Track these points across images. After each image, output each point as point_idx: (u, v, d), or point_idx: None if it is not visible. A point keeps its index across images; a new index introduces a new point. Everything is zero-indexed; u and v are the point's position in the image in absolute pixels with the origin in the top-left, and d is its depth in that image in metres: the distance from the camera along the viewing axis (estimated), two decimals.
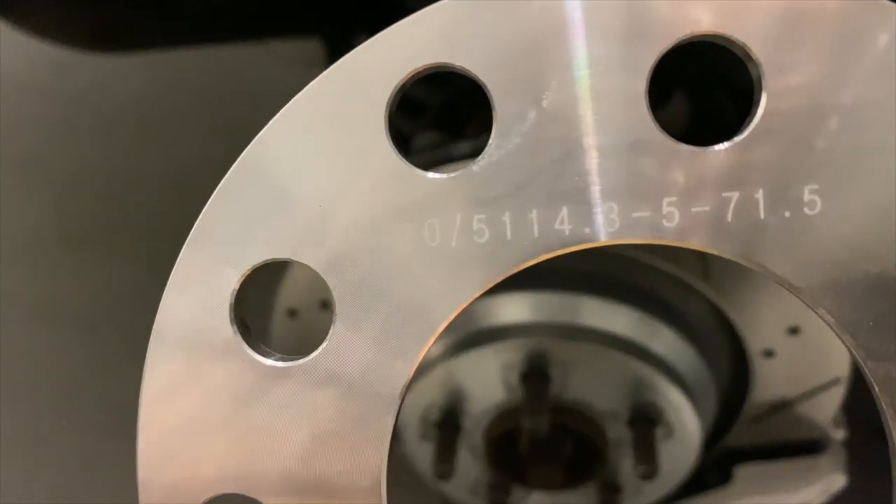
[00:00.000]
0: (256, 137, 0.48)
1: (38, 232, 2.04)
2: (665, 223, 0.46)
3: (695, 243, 0.47)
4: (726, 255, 0.47)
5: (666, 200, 0.46)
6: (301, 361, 0.51)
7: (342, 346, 0.50)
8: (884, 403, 0.48)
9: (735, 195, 0.46)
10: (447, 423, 1.21)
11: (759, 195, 0.46)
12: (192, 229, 0.50)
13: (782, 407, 1.24)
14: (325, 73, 0.46)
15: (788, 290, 0.47)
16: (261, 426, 0.51)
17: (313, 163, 0.48)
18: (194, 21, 1.53)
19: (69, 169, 2.14)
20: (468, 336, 1.16)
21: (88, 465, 1.69)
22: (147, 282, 1.80)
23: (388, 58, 0.46)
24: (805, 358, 1.20)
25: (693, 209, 0.46)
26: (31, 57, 2.17)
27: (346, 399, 0.51)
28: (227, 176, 0.49)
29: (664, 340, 1.17)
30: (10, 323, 1.88)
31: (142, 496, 0.53)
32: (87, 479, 1.68)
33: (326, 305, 1.20)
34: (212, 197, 0.49)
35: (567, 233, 0.47)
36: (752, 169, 0.46)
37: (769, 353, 1.20)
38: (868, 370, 0.48)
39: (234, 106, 2.09)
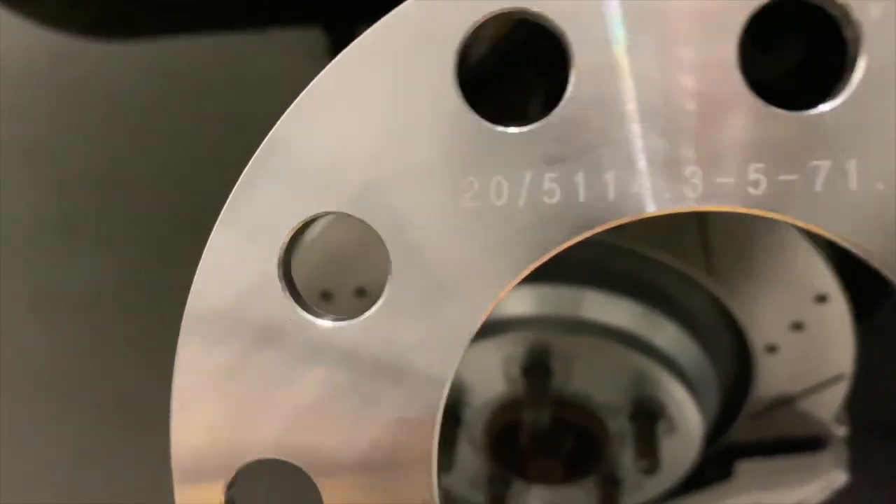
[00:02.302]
0: (315, 79, 0.43)
1: (38, 221, 2.00)
2: (751, 190, 0.43)
3: (781, 214, 0.43)
4: (814, 229, 0.43)
5: (752, 167, 0.42)
6: (353, 321, 0.47)
7: (396, 307, 0.46)
8: None
9: (825, 164, 0.42)
10: (447, 416, 1.13)
11: (851, 165, 0.42)
12: (241, 176, 0.45)
13: (784, 403, 1.22)
14: (390, 14, 0.42)
15: (879, 269, 0.43)
16: (305, 388, 0.48)
17: (373, 110, 0.44)
18: (194, 10, 1.50)
19: (68, 158, 2.10)
20: None
21: (88, 455, 1.65)
22: (148, 271, 1.79)
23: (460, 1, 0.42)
24: (808, 354, 1.17)
25: (780, 177, 0.42)
26: (30, 45, 2.12)
27: (400, 361, 0.47)
28: (279, 121, 0.44)
29: (667, 334, 1.15)
30: (10, 313, 1.83)
31: (175, 461, 0.49)
32: (87, 469, 1.64)
33: (327, 295, 1.16)
34: (263, 143, 0.45)
35: (645, 197, 0.43)
36: (844, 136, 0.42)
37: (772, 349, 1.17)
38: None
39: (235, 95, 2.08)
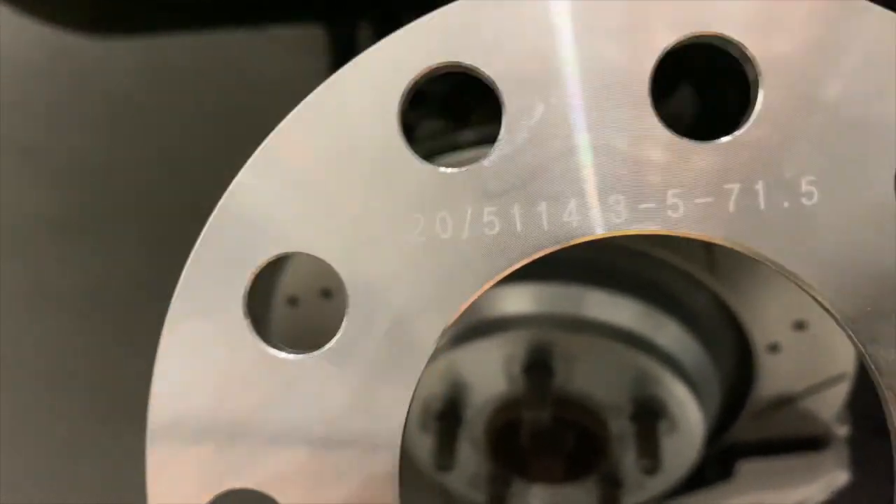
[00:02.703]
0: (270, 134, 0.51)
1: (36, 218, 2.05)
2: (670, 214, 0.49)
3: (698, 233, 0.50)
4: (728, 245, 0.50)
5: (671, 192, 0.49)
6: (314, 354, 0.53)
7: (354, 338, 0.53)
8: (884, 388, 0.51)
9: (736, 187, 0.49)
10: (448, 415, 1.22)
11: (759, 186, 0.49)
12: (205, 226, 0.52)
13: (786, 402, 1.25)
14: (339, 70, 0.49)
15: (789, 279, 0.50)
16: (272, 420, 0.54)
17: (326, 158, 0.51)
18: (194, 7, 1.54)
19: (67, 155, 2.14)
20: (470, 327, 1.16)
21: (86, 453, 1.70)
22: (146, 269, 1.81)
23: (400, 57, 0.49)
24: (810, 353, 1.21)
25: (696, 200, 0.49)
26: (30, 41, 2.17)
27: (359, 391, 0.53)
28: (240, 173, 0.51)
29: (668, 333, 1.18)
30: (8, 310, 1.88)
31: (150, 491, 0.55)
32: (83, 466, 1.69)
33: (327, 294, 1.23)
34: (225, 193, 0.52)
35: (575, 224, 0.50)
36: (751, 162, 0.49)
37: (774, 348, 1.21)
38: (868, 356, 0.51)
39: (234, 92, 2.09)
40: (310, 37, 1.68)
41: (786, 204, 0.49)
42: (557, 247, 0.50)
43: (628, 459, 1.22)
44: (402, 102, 0.49)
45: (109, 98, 2.20)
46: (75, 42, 1.65)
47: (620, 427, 1.20)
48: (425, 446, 1.24)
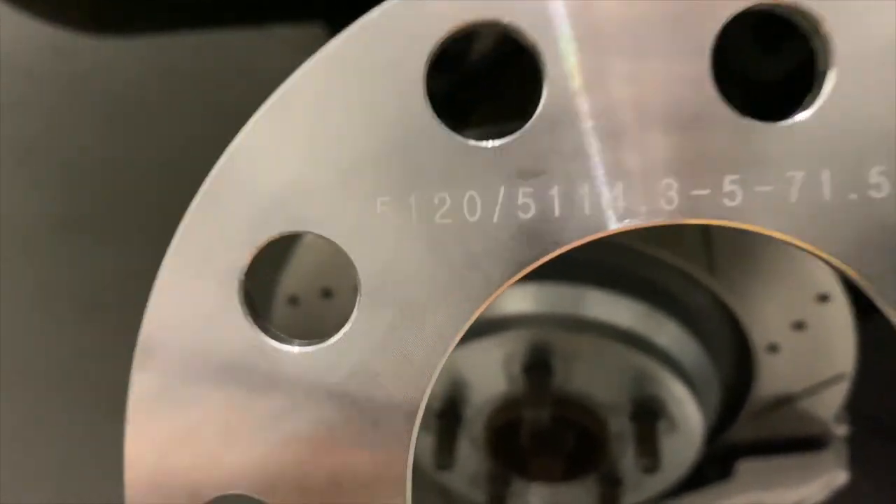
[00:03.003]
0: (277, 91, 0.43)
1: (38, 217, 2.00)
2: (726, 202, 0.42)
3: (756, 225, 0.43)
4: (788, 238, 0.43)
5: (728, 178, 0.42)
6: (320, 346, 0.46)
7: (366, 329, 0.45)
8: None
9: (800, 175, 0.42)
10: (448, 414, 1.18)
11: (825, 176, 0.42)
12: (197, 195, 0.43)
13: (785, 402, 1.22)
14: (359, 21, 0.41)
15: (849, 277, 0.43)
16: (271, 419, 0.46)
17: (339, 123, 0.43)
18: (196, 5, 1.49)
19: (69, 154, 2.09)
20: (471, 325, 1.12)
21: (88, 454, 1.65)
22: (147, 268, 1.77)
23: (431, 10, 0.41)
24: (809, 353, 1.18)
25: (756, 188, 0.42)
26: (32, 40, 2.12)
27: (370, 387, 0.46)
28: (240, 134, 0.43)
29: (668, 333, 1.15)
30: (11, 310, 1.83)
31: (129, 497, 0.49)
32: (88, 465, 1.64)
33: (328, 293, 1.17)
34: (221, 158, 0.43)
35: (621, 210, 0.42)
36: (817, 148, 0.42)
37: (773, 348, 1.17)
38: None
39: (236, 91, 2.07)
40: (310, 36, 1.63)
41: (853, 196, 0.42)
42: (600, 235, 0.43)
43: (628, 459, 1.19)
44: (429, 59, 0.41)
45: (112, 97, 2.14)
46: (76, 42, 1.61)
47: (620, 426, 1.17)
48: (425, 445, 1.19)
